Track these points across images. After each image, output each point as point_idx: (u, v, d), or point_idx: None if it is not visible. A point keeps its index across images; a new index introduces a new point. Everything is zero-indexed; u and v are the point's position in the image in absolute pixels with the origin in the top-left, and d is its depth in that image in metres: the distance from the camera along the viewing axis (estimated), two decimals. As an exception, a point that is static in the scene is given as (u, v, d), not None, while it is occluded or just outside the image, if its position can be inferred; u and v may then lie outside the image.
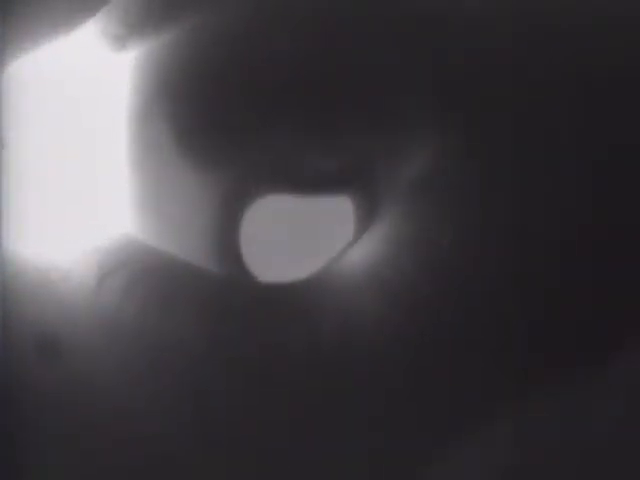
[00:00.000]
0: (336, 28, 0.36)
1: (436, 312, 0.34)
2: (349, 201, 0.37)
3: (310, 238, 0.37)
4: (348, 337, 0.34)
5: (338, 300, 0.34)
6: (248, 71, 0.36)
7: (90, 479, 0.32)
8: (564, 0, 0.34)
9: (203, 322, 0.34)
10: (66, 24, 0.34)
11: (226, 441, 0.33)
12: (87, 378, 0.33)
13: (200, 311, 0.34)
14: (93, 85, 0.37)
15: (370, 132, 0.36)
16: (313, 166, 0.36)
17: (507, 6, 0.34)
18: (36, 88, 0.36)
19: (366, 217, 0.36)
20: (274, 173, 0.37)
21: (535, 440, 0.33)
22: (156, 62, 0.36)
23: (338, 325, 0.34)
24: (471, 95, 0.35)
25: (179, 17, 0.36)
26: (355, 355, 0.34)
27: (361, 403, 0.34)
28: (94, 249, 0.35)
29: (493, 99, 0.35)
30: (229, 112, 0.36)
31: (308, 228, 0.37)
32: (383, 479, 0.33)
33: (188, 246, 0.37)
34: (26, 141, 0.35)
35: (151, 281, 0.34)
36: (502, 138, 0.35)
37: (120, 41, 0.36)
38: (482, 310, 0.34)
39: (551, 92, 0.34)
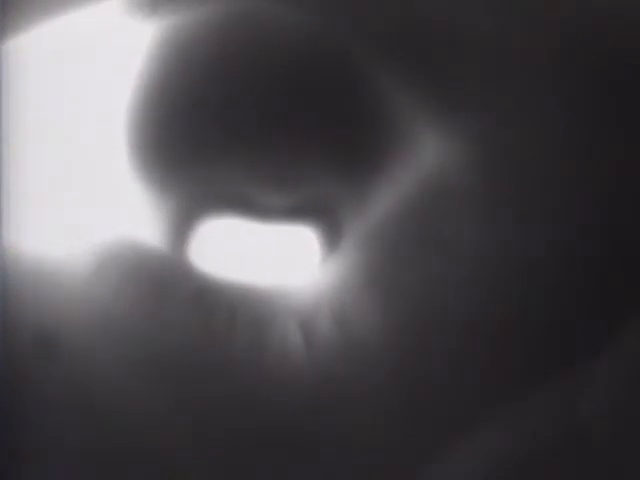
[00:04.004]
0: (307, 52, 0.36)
1: (436, 312, 0.34)
2: (311, 230, 0.36)
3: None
4: (344, 338, 0.34)
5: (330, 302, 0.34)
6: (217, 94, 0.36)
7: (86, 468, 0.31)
8: (564, 0, 0.35)
9: (193, 317, 0.33)
10: None
11: (223, 433, 0.33)
12: (83, 371, 0.32)
13: (189, 306, 0.34)
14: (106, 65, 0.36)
15: (333, 164, 0.35)
16: (272, 194, 0.36)
17: (507, 7, 0.35)
18: (39, 67, 0.35)
19: (329, 245, 0.36)
20: (228, 197, 0.36)
21: (535, 440, 0.33)
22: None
23: (331, 330, 0.34)
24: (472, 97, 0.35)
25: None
26: (352, 356, 0.34)
27: (359, 403, 0.34)
28: (89, 242, 0.35)
29: (492, 99, 0.35)
30: (191, 130, 0.36)
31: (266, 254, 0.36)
32: (383, 479, 0.33)
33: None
34: (26, 131, 0.35)
35: (143, 276, 0.34)
36: (501, 140, 0.35)
37: (148, 9, 0.35)
38: (481, 310, 0.34)
39: (551, 92, 0.35)
